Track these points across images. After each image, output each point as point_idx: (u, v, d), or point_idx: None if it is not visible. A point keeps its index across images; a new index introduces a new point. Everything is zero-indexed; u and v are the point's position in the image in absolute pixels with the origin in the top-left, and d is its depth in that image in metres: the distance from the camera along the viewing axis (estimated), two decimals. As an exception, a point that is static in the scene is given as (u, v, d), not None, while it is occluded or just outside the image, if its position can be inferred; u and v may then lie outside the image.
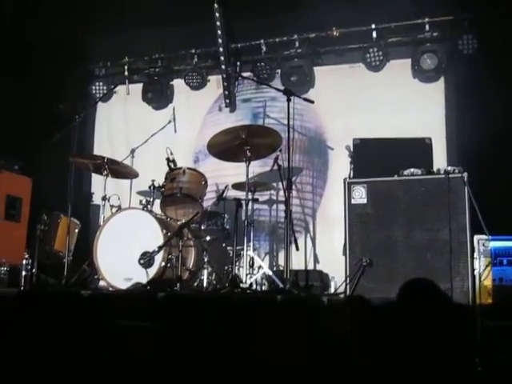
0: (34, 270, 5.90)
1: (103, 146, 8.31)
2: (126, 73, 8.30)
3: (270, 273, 5.57)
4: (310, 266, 6.94)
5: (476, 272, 4.47)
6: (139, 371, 3.90)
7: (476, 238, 4.54)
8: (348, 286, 4.74)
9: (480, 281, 4.45)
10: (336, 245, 6.42)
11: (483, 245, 4.49)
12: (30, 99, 7.22)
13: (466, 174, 4.68)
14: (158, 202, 5.91)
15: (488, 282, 4.44)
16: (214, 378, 3.73)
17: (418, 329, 4.20)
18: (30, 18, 6.80)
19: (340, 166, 6.59)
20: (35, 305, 4.56)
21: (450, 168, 4.79)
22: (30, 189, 6.70)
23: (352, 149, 5.53)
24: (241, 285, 5.20)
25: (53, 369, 4.13)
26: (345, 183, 5.05)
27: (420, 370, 4.03)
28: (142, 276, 5.29)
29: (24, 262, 5.76)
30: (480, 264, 4.48)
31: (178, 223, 5.69)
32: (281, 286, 5.17)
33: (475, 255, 4.49)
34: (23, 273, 5.73)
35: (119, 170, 6.27)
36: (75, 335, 4.18)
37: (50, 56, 7.28)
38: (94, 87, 8.36)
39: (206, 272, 5.60)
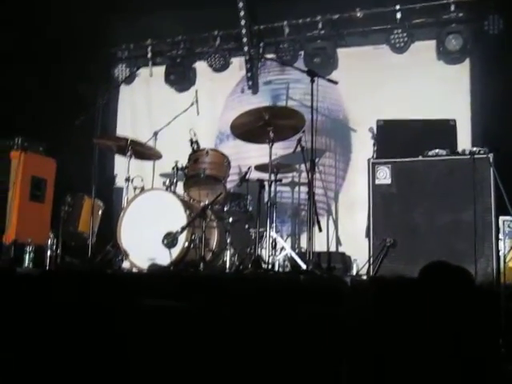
0: (58, 251, 5.97)
1: (126, 128, 8.32)
2: (149, 55, 8.31)
3: (293, 254, 5.57)
4: (333, 248, 6.92)
5: (501, 253, 4.44)
6: (165, 350, 3.94)
7: (501, 219, 4.52)
8: (371, 267, 4.73)
9: (505, 262, 4.42)
10: (358, 227, 6.40)
11: (508, 226, 4.47)
12: (54, 82, 7.26)
13: (491, 155, 4.64)
14: (180, 183, 5.95)
15: (513, 264, 4.42)
16: (238, 357, 3.75)
17: (442, 310, 4.18)
18: (55, 2, 6.81)
19: (363, 148, 6.57)
20: (61, 284, 4.61)
21: (475, 149, 4.75)
22: (54, 170, 6.75)
23: (375, 130, 5.51)
24: (263, 266, 5.22)
25: (79, 348, 4.18)
26: (369, 163, 5.04)
27: (443, 352, 4.02)
28: (166, 256, 5.35)
29: (49, 242, 5.82)
30: (505, 245, 4.45)
31: (201, 204, 5.71)
32: (303, 267, 5.18)
33: (500, 236, 4.47)
34: (48, 253, 5.79)
35: (143, 152, 6.30)
36: (101, 315, 4.22)
37: (74, 39, 7.30)
38: (116, 70, 8.38)
39: (228, 253, 5.62)
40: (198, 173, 5.67)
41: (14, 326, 4.33)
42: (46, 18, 6.92)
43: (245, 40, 7.52)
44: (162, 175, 6.81)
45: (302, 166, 6.43)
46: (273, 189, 5.82)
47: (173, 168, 5.97)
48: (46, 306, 4.41)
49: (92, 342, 4.11)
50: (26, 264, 5.60)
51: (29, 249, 5.64)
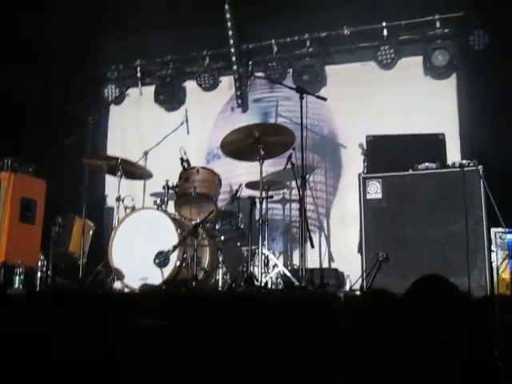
0: (49, 272, 5.93)
1: (116, 148, 8.31)
2: (139, 75, 8.33)
3: (286, 271, 5.55)
4: (325, 265, 6.91)
5: (494, 265, 4.44)
6: (156, 368, 3.90)
7: (493, 230, 4.52)
8: (364, 282, 4.72)
9: (498, 274, 4.42)
10: (351, 243, 6.38)
11: (500, 237, 4.47)
12: (43, 101, 7.26)
13: (481, 167, 4.66)
14: (171, 202, 5.93)
15: (506, 275, 4.42)
16: (230, 375, 3.72)
17: (436, 323, 4.17)
18: (45, 22, 6.83)
19: (353, 163, 6.57)
20: (50, 305, 4.57)
21: (464, 161, 4.78)
22: (44, 191, 6.73)
23: (365, 146, 5.53)
24: (256, 283, 5.20)
25: (70, 368, 4.13)
26: (359, 178, 5.05)
27: (438, 364, 4.00)
28: (158, 275, 5.31)
29: (39, 263, 5.78)
30: (497, 257, 4.45)
31: (193, 222, 5.69)
32: (296, 283, 5.16)
33: (492, 248, 4.47)
34: (38, 274, 5.75)
35: (133, 171, 6.29)
36: (91, 335, 4.18)
37: (64, 59, 7.32)
38: (106, 90, 8.37)
39: (220, 271, 5.60)
40: (189, 191, 5.66)
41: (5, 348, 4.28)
42: (35, 37, 6.92)
43: (233, 59, 7.56)
44: (153, 194, 6.79)
45: (293, 183, 6.45)
46: (264, 206, 5.82)
47: (163, 187, 5.96)
48: (35, 327, 4.36)
49: (84, 362, 4.06)
50: (16, 286, 5.56)
51: (19, 270, 5.60)
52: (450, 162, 5.02)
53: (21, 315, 4.52)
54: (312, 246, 5.10)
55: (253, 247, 5.60)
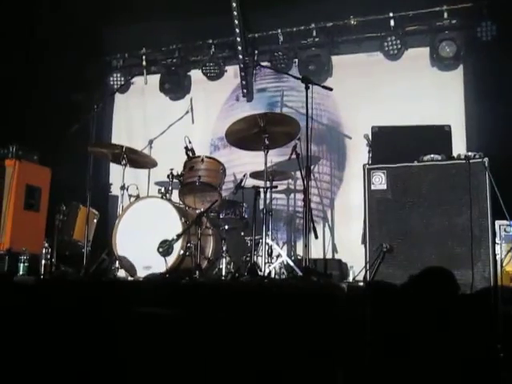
0: (53, 260, 5.94)
1: (121, 136, 8.32)
2: (144, 63, 8.32)
3: (289, 261, 5.55)
4: (329, 255, 6.92)
5: (498, 258, 4.43)
6: (160, 357, 3.91)
7: (497, 223, 4.50)
8: (368, 273, 4.71)
9: (502, 266, 4.41)
10: (354, 234, 6.38)
11: (505, 230, 4.45)
12: (48, 90, 7.25)
13: (486, 159, 4.64)
14: (176, 191, 5.93)
15: (510, 268, 4.40)
16: (233, 364, 3.73)
17: (439, 314, 4.17)
18: (50, 10, 6.81)
19: (358, 155, 6.55)
20: (55, 292, 4.59)
21: (470, 153, 4.75)
22: (49, 179, 6.72)
23: (370, 137, 5.51)
24: (259, 273, 5.20)
25: (74, 356, 4.16)
26: (364, 169, 5.03)
27: (441, 356, 4.01)
28: (161, 264, 5.31)
29: (43, 251, 5.79)
30: (502, 249, 4.44)
31: (197, 212, 5.69)
32: (299, 273, 5.16)
33: (497, 241, 4.45)
34: (43, 262, 5.76)
35: (138, 160, 6.29)
36: (96, 323, 4.20)
37: (68, 47, 7.30)
38: (111, 78, 8.38)
39: (224, 261, 5.61)
40: (194, 180, 5.65)
41: (11, 334, 4.30)
42: (41, 26, 6.91)
43: (239, 48, 7.54)
44: (158, 183, 6.80)
45: (298, 174, 6.45)
46: (268, 196, 5.81)
47: (168, 176, 5.95)
48: (40, 314, 4.38)
49: (88, 349, 4.09)
50: (21, 273, 5.56)
51: (23, 258, 5.60)
52: (455, 153, 4.99)
53: (25, 302, 4.55)
54: (316, 237, 5.10)
55: (256, 237, 5.60)
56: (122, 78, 8.37)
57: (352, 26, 7.31)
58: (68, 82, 7.54)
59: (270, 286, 4.58)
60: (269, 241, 5.58)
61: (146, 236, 5.46)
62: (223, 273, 5.55)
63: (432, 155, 4.89)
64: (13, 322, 4.37)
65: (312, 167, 6.28)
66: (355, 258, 5.74)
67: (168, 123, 7.73)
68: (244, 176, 5.94)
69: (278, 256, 5.67)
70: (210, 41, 7.97)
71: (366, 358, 3.96)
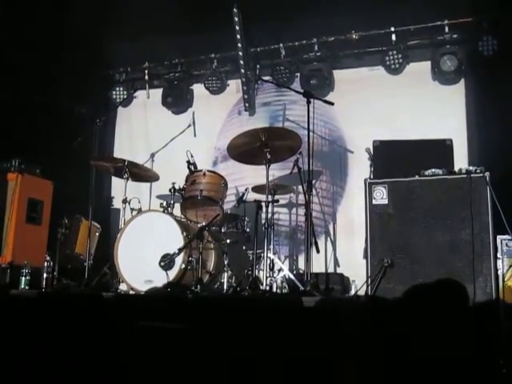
0: (55, 273, 5.95)
1: (123, 150, 8.32)
2: (147, 77, 8.37)
3: (291, 275, 5.54)
4: (331, 270, 6.90)
5: (499, 272, 4.43)
6: (161, 370, 3.90)
7: (499, 238, 4.50)
8: (369, 287, 4.70)
9: (503, 281, 4.41)
10: (356, 248, 6.38)
11: (506, 245, 4.45)
12: (51, 103, 7.27)
13: (488, 174, 4.65)
14: (178, 205, 5.93)
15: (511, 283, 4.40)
16: (235, 377, 3.72)
17: (442, 329, 4.16)
18: (54, 23, 6.85)
19: (360, 169, 6.55)
20: (57, 306, 4.59)
21: (471, 168, 4.76)
22: (51, 192, 6.73)
23: (372, 151, 5.52)
24: (261, 287, 5.19)
25: (76, 371, 4.15)
26: (366, 183, 5.04)
27: (444, 371, 3.99)
28: (163, 278, 5.30)
29: (45, 264, 5.80)
30: (503, 264, 4.44)
31: (199, 225, 5.69)
32: (301, 288, 5.14)
33: (498, 255, 4.45)
34: (44, 275, 5.76)
35: (140, 173, 6.31)
36: (97, 337, 4.19)
37: (71, 61, 7.33)
38: (114, 92, 8.41)
39: (226, 275, 5.61)
40: (195, 194, 5.65)
41: (9, 347, 4.30)
42: (43, 38, 6.94)
43: (241, 62, 7.56)
44: (159, 197, 6.81)
45: (299, 188, 6.45)
46: (270, 210, 5.81)
47: (170, 189, 5.96)
48: (41, 328, 4.38)
49: (89, 362, 4.08)
50: (22, 286, 5.57)
51: (25, 271, 5.61)
52: (457, 168, 5.01)
53: (25, 316, 4.54)
54: (318, 251, 5.09)
55: (258, 251, 5.59)
56: (125, 92, 8.40)
57: (354, 40, 7.34)
58: (71, 95, 7.57)
59: (272, 300, 4.57)
60: (270, 255, 5.56)
61: (148, 250, 5.46)
62: (225, 287, 5.55)
63: (433, 169, 4.90)
64: (9, 336, 4.36)
65: (314, 181, 6.30)
66: (357, 273, 5.72)
67: (170, 137, 7.77)
68: (246, 190, 5.95)
69: (280, 270, 5.65)
70: (212, 55, 8.01)
71: (367, 371, 3.95)
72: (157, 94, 8.38)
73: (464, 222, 4.61)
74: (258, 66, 7.88)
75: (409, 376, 3.96)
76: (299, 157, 5.80)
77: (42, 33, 6.89)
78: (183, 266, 5.37)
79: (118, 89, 8.45)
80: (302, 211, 7.09)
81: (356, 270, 5.95)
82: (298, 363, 3.64)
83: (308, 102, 5.13)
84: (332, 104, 5.35)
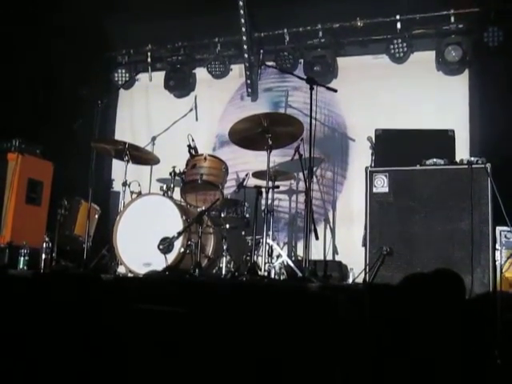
0: (53, 254, 5.95)
1: (124, 132, 8.30)
2: (149, 60, 8.32)
3: (289, 261, 5.54)
4: (329, 257, 6.91)
5: (498, 263, 4.43)
6: (159, 353, 3.91)
7: (498, 229, 4.50)
8: (367, 275, 4.71)
9: (501, 272, 4.41)
10: (355, 237, 6.39)
11: (505, 236, 4.45)
12: (52, 84, 7.25)
13: (489, 165, 4.64)
14: (178, 189, 5.92)
15: (510, 274, 4.40)
16: (232, 362, 3.73)
17: (437, 319, 4.16)
18: (57, 6, 6.81)
19: (361, 157, 6.53)
20: (54, 287, 4.59)
21: (473, 158, 4.76)
22: (51, 173, 6.72)
23: (374, 139, 5.51)
24: (259, 273, 5.20)
25: (71, 352, 4.16)
26: (366, 172, 5.03)
27: (438, 360, 4.00)
28: (161, 262, 5.32)
29: (44, 245, 5.80)
30: (502, 255, 4.44)
31: (198, 210, 5.69)
32: (299, 274, 5.15)
33: (497, 246, 4.45)
34: (43, 256, 5.76)
35: (140, 156, 6.30)
36: (94, 319, 4.20)
37: (74, 42, 7.30)
38: (116, 74, 8.38)
39: (224, 260, 5.61)
40: (196, 178, 5.65)
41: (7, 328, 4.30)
42: (46, 20, 6.91)
43: (245, 47, 7.53)
44: (160, 180, 6.80)
45: (300, 174, 6.44)
46: (270, 196, 5.80)
47: (170, 173, 5.95)
48: (36, 309, 4.38)
49: (86, 344, 4.08)
50: (21, 266, 5.58)
51: (24, 251, 5.61)
52: (458, 158, 5.00)
53: (23, 296, 4.55)
54: (316, 238, 5.09)
55: (257, 237, 5.59)
56: (127, 74, 8.37)
57: (358, 27, 7.28)
58: (73, 76, 7.54)
59: (270, 285, 4.58)
60: (269, 241, 5.57)
61: (147, 233, 5.46)
62: (223, 271, 5.55)
63: (434, 159, 4.90)
64: (7, 316, 4.37)
65: (314, 168, 6.28)
66: (355, 260, 5.73)
67: (172, 120, 7.75)
68: (246, 175, 5.94)
69: (279, 256, 5.66)
70: (216, 39, 7.96)
71: (365, 359, 3.96)
72: (159, 77, 8.34)
73: (464, 212, 4.61)
74: (261, 52, 7.82)
75: (405, 362, 3.97)
76: (300, 143, 5.78)
77: (45, 14, 6.86)
78: (182, 249, 5.38)
79: (120, 71, 8.41)
80: (302, 198, 7.09)
81: (354, 258, 5.95)
82: (295, 349, 3.65)
83: (311, 89, 5.11)
84: (335, 91, 5.34)
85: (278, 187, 6.09)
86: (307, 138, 5.04)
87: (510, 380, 4.05)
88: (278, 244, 6.19)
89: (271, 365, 3.63)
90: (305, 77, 5.68)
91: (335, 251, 6.99)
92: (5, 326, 4.35)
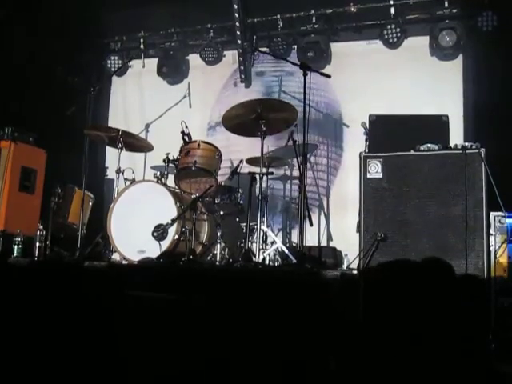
0: (47, 242, 5.94)
1: (118, 120, 8.26)
2: (142, 47, 8.27)
3: (283, 248, 5.55)
4: (324, 243, 6.93)
5: (492, 249, 4.44)
6: (153, 340, 3.92)
7: (492, 214, 4.51)
8: (362, 261, 4.72)
9: (495, 258, 4.42)
10: (350, 222, 6.37)
11: (499, 221, 4.46)
12: (45, 72, 7.20)
13: (483, 150, 4.64)
14: (171, 176, 5.91)
15: (504, 259, 4.41)
16: (227, 349, 3.74)
17: (432, 305, 4.17)
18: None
19: (355, 143, 6.53)
20: (49, 275, 4.59)
21: (467, 144, 4.75)
22: (44, 161, 6.69)
23: (368, 125, 5.49)
24: (253, 259, 5.20)
25: (67, 340, 4.16)
26: (360, 157, 5.02)
27: (432, 346, 4.01)
28: (156, 249, 5.32)
29: (38, 233, 5.79)
30: (496, 241, 4.45)
31: (192, 197, 5.68)
32: (294, 260, 5.16)
33: (491, 232, 4.46)
34: (37, 244, 5.76)
35: (134, 143, 6.28)
36: (89, 306, 4.20)
37: (66, 29, 7.24)
38: (109, 61, 8.35)
39: (218, 246, 5.60)
40: (190, 165, 5.62)
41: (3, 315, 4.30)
42: (38, 6, 6.85)
43: (238, 33, 7.48)
44: (153, 167, 6.79)
45: (294, 161, 6.43)
46: (264, 182, 5.79)
47: (164, 160, 5.93)
48: (33, 296, 4.38)
49: (81, 331, 4.09)
50: (15, 255, 5.57)
51: (17, 239, 5.61)
52: (452, 143, 4.99)
53: (18, 284, 4.54)
54: (311, 224, 5.08)
55: (251, 223, 5.60)
56: (120, 61, 8.34)
57: (352, 13, 7.26)
58: (65, 63, 7.49)
59: (264, 272, 4.58)
60: (264, 227, 5.57)
61: (141, 220, 5.47)
62: (218, 258, 5.55)
63: (429, 145, 4.89)
64: (6, 303, 4.37)
65: (309, 155, 6.27)
66: (350, 246, 5.74)
67: (165, 107, 7.72)
68: (240, 162, 5.92)
69: (273, 243, 5.66)
70: (209, 25, 7.90)
71: (359, 345, 3.97)
72: (152, 63, 8.30)
73: (458, 197, 4.61)
74: (254, 37, 7.78)
75: (395, 347, 3.99)
76: (294, 129, 5.76)
77: (36, 2, 6.81)
78: (176, 236, 5.39)
79: (112, 58, 8.38)
80: (296, 184, 7.09)
81: (349, 244, 5.97)
82: (288, 335, 3.66)
83: (304, 75, 5.09)
84: (329, 77, 5.31)
85: (272, 173, 6.08)
86: (301, 124, 5.02)
87: (506, 364, 4.08)
88: (272, 230, 6.19)
89: (265, 351, 3.64)
90: (298, 63, 5.65)
91: (329, 237, 7.00)
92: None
